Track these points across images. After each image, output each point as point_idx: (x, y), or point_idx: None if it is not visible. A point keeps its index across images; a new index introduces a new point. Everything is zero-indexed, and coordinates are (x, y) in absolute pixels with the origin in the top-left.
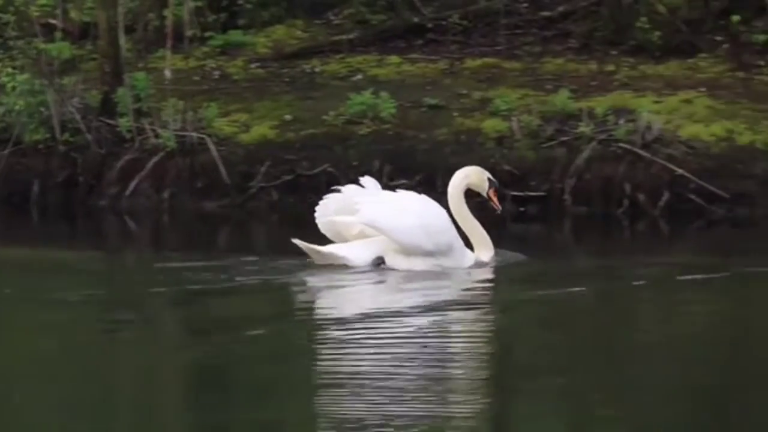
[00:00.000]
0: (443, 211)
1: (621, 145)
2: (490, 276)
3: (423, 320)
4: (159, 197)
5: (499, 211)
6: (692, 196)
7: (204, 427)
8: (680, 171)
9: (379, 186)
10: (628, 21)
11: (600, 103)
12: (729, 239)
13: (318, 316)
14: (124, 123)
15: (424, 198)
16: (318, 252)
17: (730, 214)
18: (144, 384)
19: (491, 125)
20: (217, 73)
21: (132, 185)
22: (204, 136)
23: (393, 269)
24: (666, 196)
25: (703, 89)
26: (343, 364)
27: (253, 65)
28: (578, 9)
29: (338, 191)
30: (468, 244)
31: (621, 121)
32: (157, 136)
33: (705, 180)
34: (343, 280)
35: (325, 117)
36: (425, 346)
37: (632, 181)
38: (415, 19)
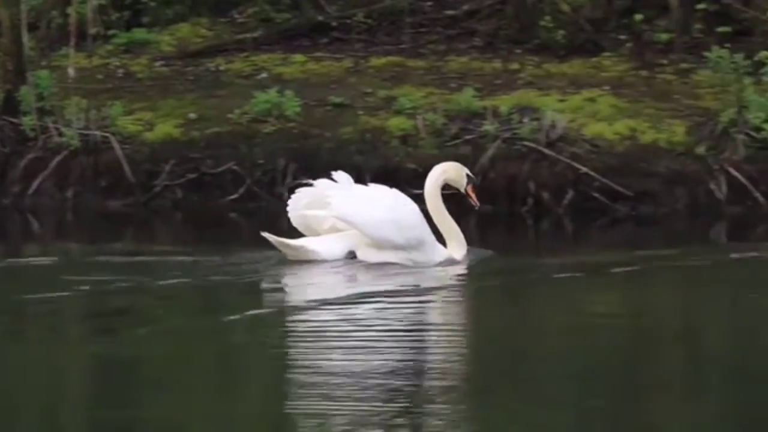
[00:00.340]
0: (415, 206)
1: (525, 143)
2: (461, 272)
3: (387, 312)
4: (62, 196)
5: (477, 207)
6: (596, 195)
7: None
8: (584, 169)
9: (351, 180)
10: (532, 20)
11: (504, 102)
12: (633, 237)
13: (282, 308)
14: (28, 121)
15: (395, 192)
16: (288, 245)
17: (634, 212)
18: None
19: (396, 124)
20: (121, 71)
21: (35, 184)
22: (108, 134)
23: (364, 263)
24: (570, 194)
25: (606, 88)
26: (308, 357)
27: (157, 63)
28: (483, 8)
29: (310, 185)
30: (441, 240)
31: (525, 120)
32: (60, 134)
33: (609, 178)
34: (314, 274)
35: (229, 115)
36: (387, 340)
37: (537, 180)
38: (320, 18)
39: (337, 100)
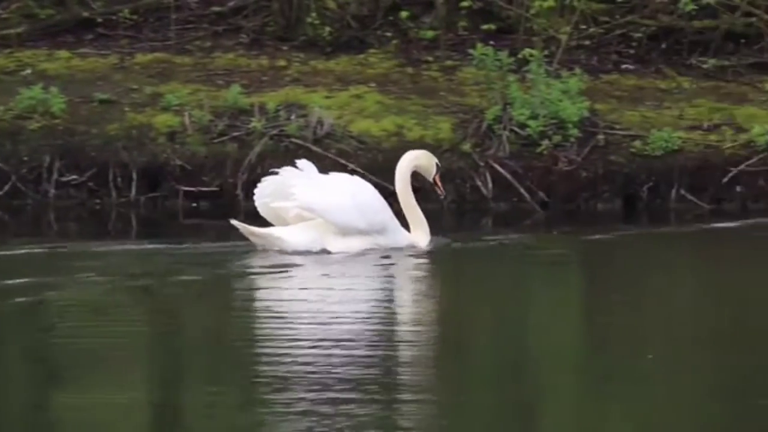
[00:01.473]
0: (375, 191)
1: (293, 140)
2: (427, 258)
3: (356, 304)
4: None
5: (443, 196)
6: None
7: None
8: (351, 166)
9: (314, 168)
10: (298, 16)
11: (272, 99)
12: None
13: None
14: None
15: (356, 179)
16: (255, 234)
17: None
18: None
19: (163, 120)
20: None
21: None
22: None
23: (331, 250)
24: None
25: (373, 85)
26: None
27: None
28: (249, 4)
29: (276, 174)
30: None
31: (292, 117)
32: None
33: (376, 175)
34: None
35: None
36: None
37: None
38: (85, 14)
39: (103, 96)
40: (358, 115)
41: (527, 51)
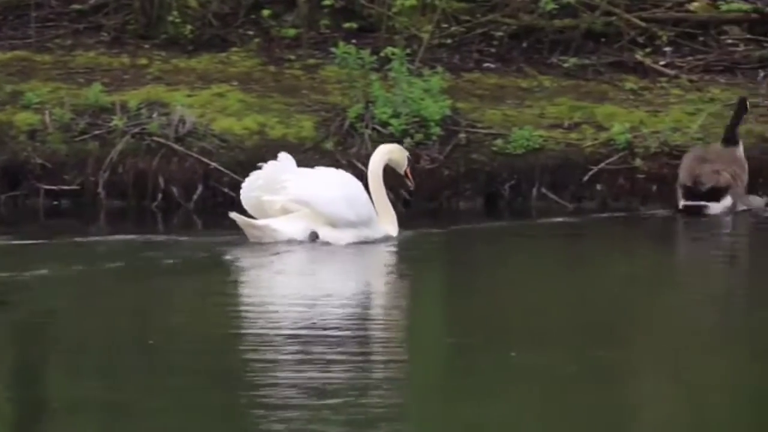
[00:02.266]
0: (361, 184)
1: (155, 138)
2: (412, 250)
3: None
4: None
5: (412, 188)
6: (226, 190)
7: None
8: (213, 164)
9: (293, 161)
10: (159, 15)
11: (133, 97)
12: None
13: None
14: None
15: (340, 171)
16: (253, 225)
17: None
18: None
19: (23, 119)
20: None
21: None
22: None
23: (324, 242)
24: (200, 189)
25: (235, 83)
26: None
27: None
28: (110, 2)
29: (260, 168)
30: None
31: (154, 115)
32: None
33: (238, 173)
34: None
35: None
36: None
37: (166, 175)
38: None
39: None
40: (220, 113)
41: (389, 49)
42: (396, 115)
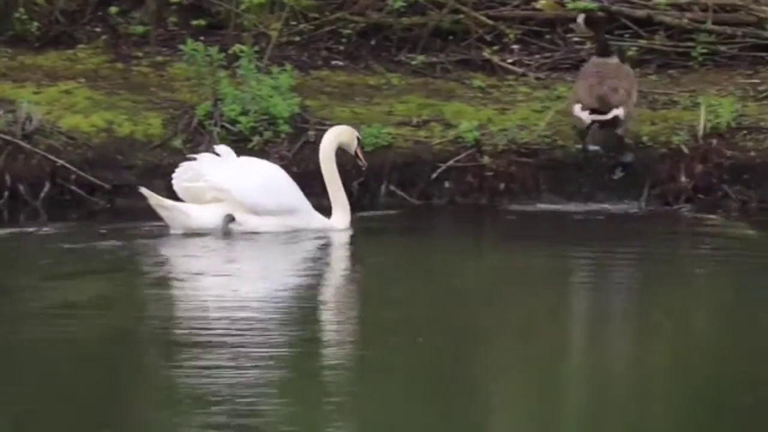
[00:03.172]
0: (285, 173)
1: (1, 136)
2: (341, 240)
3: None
4: None
5: (365, 167)
6: (73, 187)
7: None
8: (61, 162)
9: (233, 153)
10: (5, 11)
11: None
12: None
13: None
14: None
15: (266, 162)
16: (163, 205)
17: (110, 205)
18: None
19: None
20: None
21: None
22: None
23: (242, 230)
24: (47, 187)
25: (82, 80)
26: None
27: None
28: None
29: (194, 159)
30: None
31: (0, 112)
32: None
33: (86, 171)
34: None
35: None
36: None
37: (13, 173)
38: None
39: None
40: (67, 110)
41: (238, 47)
42: (245, 113)
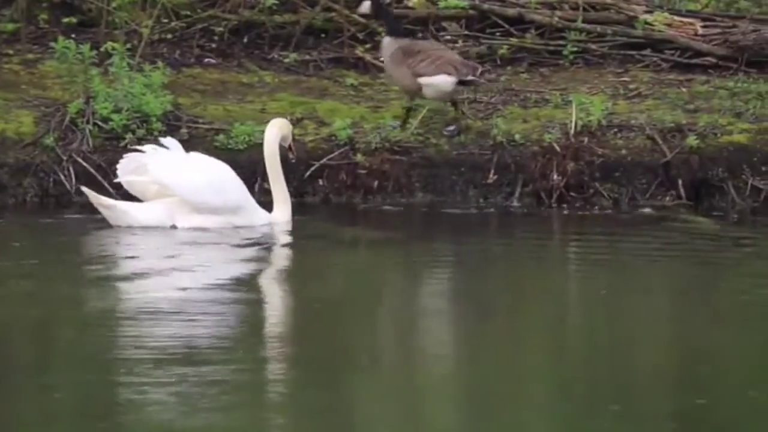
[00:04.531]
0: (231, 171)
1: None
2: (282, 234)
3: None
4: None
5: (294, 160)
6: None
7: None
8: None
9: (180, 147)
10: None
11: None
12: None
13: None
14: None
15: (212, 159)
16: (102, 204)
17: None
18: None
19: None
20: None
21: None
22: None
23: (183, 227)
24: None
25: None
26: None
27: None
28: None
29: (139, 151)
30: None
31: None
32: None
33: None
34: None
35: None
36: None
37: None
38: None
39: None
40: None
41: (110, 44)
42: (117, 111)
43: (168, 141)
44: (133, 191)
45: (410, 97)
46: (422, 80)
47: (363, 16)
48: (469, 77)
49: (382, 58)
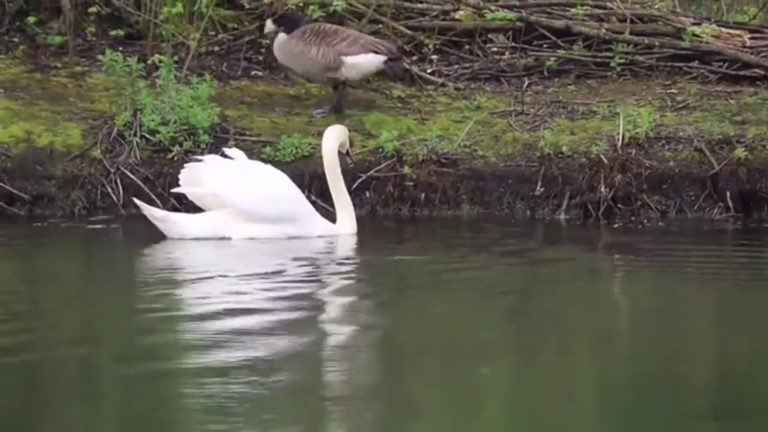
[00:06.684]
0: (288, 179)
1: None
2: (342, 246)
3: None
4: None
5: (352, 165)
6: None
7: None
8: None
9: (244, 156)
10: None
11: None
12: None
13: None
14: None
15: (269, 167)
16: (154, 216)
17: (30, 214)
18: None
19: None
20: None
21: None
22: None
23: (237, 238)
24: None
25: (1, 90)
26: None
27: None
28: None
29: (200, 160)
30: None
31: None
32: None
33: (5, 181)
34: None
35: None
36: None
37: None
38: None
39: None
40: None
41: (157, 57)
42: (164, 123)
43: (232, 152)
44: (196, 202)
45: (319, 80)
46: (348, 59)
47: (267, 35)
48: (393, 56)
49: (276, 52)
